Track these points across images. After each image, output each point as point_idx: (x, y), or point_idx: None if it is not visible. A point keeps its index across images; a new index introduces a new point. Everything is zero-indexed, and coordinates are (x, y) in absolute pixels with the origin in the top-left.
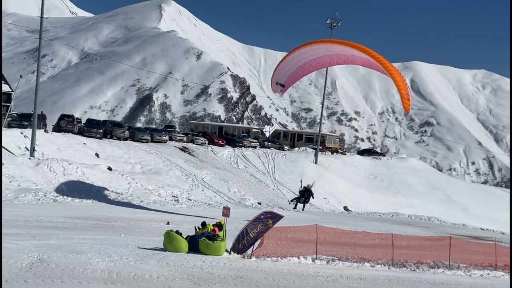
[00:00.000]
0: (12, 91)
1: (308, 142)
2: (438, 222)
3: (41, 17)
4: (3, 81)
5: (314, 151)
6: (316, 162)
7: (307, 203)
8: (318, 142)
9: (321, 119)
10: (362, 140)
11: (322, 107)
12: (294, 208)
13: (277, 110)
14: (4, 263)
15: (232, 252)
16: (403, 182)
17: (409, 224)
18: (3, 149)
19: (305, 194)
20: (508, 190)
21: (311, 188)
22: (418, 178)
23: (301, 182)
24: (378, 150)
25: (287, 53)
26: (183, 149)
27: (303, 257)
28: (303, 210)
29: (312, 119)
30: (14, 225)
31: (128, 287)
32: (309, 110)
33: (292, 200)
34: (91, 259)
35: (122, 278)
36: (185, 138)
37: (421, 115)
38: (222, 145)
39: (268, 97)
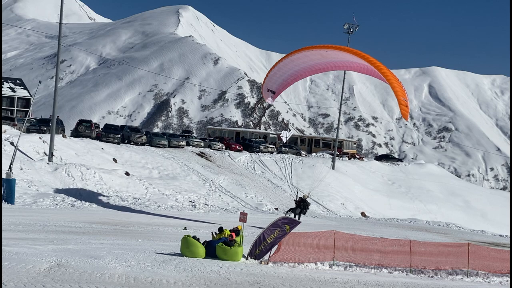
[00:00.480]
0: (31, 96)
1: (325, 147)
2: (456, 228)
3: (60, 23)
4: (22, 87)
5: (331, 156)
6: (333, 168)
7: (303, 214)
8: (335, 148)
9: (338, 124)
10: (380, 145)
11: (339, 113)
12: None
13: (294, 115)
14: (22, 267)
15: (249, 258)
16: (421, 188)
17: (427, 230)
18: (22, 154)
19: (301, 205)
20: None
21: (307, 199)
22: (436, 184)
23: (297, 192)
24: (396, 155)
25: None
26: (200, 154)
27: (320, 263)
28: None
29: (329, 124)
30: (32, 229)
31: None
32: (326, 115)
33: (287, 212)
34: (108, 264)
35: (139, 283)
36: (202, 144)
37: (439, 121)
38: (239, 151)
39: (285, 102)
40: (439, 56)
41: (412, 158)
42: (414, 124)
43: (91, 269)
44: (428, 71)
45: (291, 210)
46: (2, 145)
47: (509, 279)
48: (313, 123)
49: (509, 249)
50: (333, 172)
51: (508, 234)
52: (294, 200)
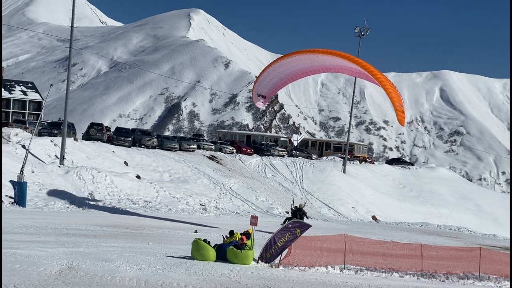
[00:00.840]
0: (43, 99)
1: (336, 151)
2: (468, 232)
3: (72, 26)
4: (33, 90)
5: (342, 160)
6: (344, 171)
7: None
8: (346, 151)
9: (349, 128)
10: (391, 149)
11: (350, 116)
12: None
13: (305, 119)
14: (33, 270)
15: (259, 261)
16: (432, 191)
17: (438, 234)
18: (34, 157)
19: (297, 214)
20: None
21: (304, 208)
22: (447, 188)
23: (293, 201)
24: (407, 159)
25: None
26: (211, 158)
27: (331, 267)
28: None
29: (340, 128)
30: (43, 232)
31: None
32: (337, 119)
33: (284, 223)
34: (119, 267)
35: (150, 286)
36: (213, 147)
37: (450, 125)
38: (250, 154)
39: (296, 106)
40: (450, 59)
41: (423, 162)
42: (425, 127)
43: (102, 272)
44: (440, 74)
45: (288, 220)
46: (14, 148)
47: None
48: (324, 126)
49: None
50: (344, 175)
51: None
52: (291, 210)
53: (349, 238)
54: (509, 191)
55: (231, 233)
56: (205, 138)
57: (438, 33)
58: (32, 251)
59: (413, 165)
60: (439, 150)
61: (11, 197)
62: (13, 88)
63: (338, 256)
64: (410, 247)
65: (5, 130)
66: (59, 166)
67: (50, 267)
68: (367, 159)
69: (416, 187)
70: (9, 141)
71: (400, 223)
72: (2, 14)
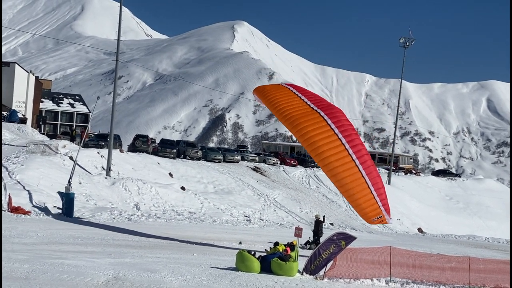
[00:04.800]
0: (90, 111)
1: (381, 162)
2: None
3: (118, 39)
4: (81, 102)
5: (387, 171)
6: (389, 183)
7: (321, 236)
8: (391, 163)
9: (394, 139)
10: (437, 160)
11: (395, 127)
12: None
13: None
14: (80, 280)
15: (304, 273)
16: (480, 204)
17: (487, 247)
18: (81, 168)
19: (319, 228)
20: None
21: (320, 219)
22: (495, 200)
23: (318, 217)
24: (453, 170)
25: (358, 73)
26: (255, 169)
27: (377, 279)
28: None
29: (385, 139)
30: (90, 243)
31: None
32: (382, 130)
33: (310, 244)
34: (164, 277)
35: None
36: (257, 158)
37: (498, 135)
38: (294, 165)
39: None
40: (497, 69)
41: (470, 173)
42: (472, 138)
43: (147, 282)
44: (487, 85)
45: (309, 243)
46: (62, 160)
47: None
48: (369, 137)
49: None
50: (389, 187)
51: None
52: (314, 221)
53: (394, 250)
54: None
55: (276, 244)
56: (249, 149)
57: (484, 42)
58: (80, 261)
59: (460, 177)
60: (487, 161)
61: (59, 208)
62: (61, 101)
63: (384, 269)
64: (458, 260)
65: (53, 141)
66: (106, 178)
67: (97, 278)
68: (413, 171)
69: (463, 199)
70: (57, 152)
71: (446, 236)
72: (50, 28)
